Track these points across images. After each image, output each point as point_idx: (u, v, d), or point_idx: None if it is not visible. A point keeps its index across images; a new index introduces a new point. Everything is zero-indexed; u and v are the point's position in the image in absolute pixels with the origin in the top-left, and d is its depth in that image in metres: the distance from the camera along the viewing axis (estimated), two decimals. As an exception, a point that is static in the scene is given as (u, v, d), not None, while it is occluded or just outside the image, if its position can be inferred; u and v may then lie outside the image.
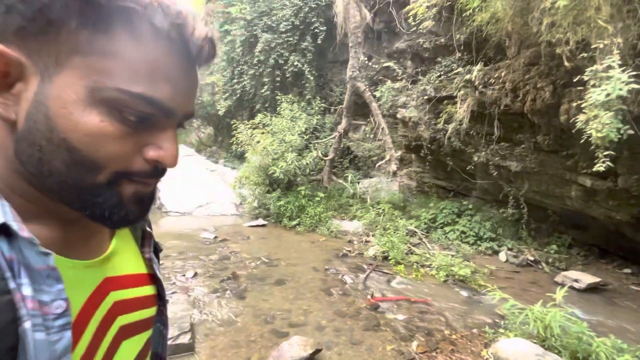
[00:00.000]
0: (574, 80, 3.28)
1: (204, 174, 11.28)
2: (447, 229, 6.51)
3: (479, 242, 6.05)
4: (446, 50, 6.25)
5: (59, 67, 0.33)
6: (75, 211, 0.38)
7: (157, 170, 0.40)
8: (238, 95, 12.00)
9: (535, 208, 5.86)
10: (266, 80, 10.56)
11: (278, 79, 10.33)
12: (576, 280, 4.54)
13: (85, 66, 0.33)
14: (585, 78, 2.99)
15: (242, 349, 2.78)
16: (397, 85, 7.38)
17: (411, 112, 6.64)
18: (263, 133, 8.17)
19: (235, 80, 12.08)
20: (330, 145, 8.72)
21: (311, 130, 9.15)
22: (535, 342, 2.81)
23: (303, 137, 8.26)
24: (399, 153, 7.63)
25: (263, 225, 7.44)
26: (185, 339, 2.58)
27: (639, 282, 4.76)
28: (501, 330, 3.11)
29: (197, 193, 9.73)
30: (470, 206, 6.76)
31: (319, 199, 7.72)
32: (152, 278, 0.53)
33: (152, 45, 0.35)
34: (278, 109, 9.03)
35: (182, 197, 9.55)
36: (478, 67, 5.28)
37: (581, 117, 3.08)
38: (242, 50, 11.41)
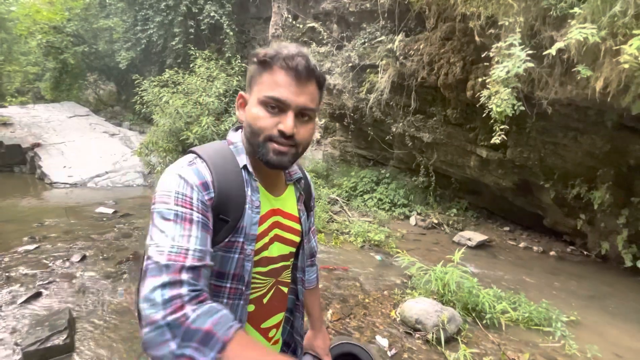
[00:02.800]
0: (482, 56, 3.46)
1: (102, 138, 9.64)
2: (366, 196, 6.80)
3: (393, 209, 6.49)
4: (371, 17, 6.14)
5: (251, 93, 0.78)
6: (262, 165, 0.78)
7: (284, 135, 0.73)
8: (143, 46, 10.26)
9: (441, 176, 6.46)
10: (177, 30, 9.18)
11: (192, 30, 9.06)
12: (469, 239, 5.21)
13: (257, 90, 0.76)
14: (491, 54, 3.16)
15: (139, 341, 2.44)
16: (323, 49, 7.08)
17: (336, 79, 6.48)
18: (174, 93, 7.17)
19: (139, 28, 10.25)
20: (253, 111, 8.13)
21: (231, 92, 8.37)
22: (435, 299, 3.10)
23: (222, 100, 7.51)
24: (323, 121, 7.53)
25: (176, 197, 6.72)
26: (59, 340, 2.12)
27: (514, 238, 5.71)
28: (408, 291, 3.36)
29: (93, 161, 8.29)
30: (387, 175, 7.14)
31: (240, 167, 7.25)
32: (300, 221, 0.92)
33: (276, 72, 0.73)
34: (192, 65, 7.97)
35: (73, 165, 8.03)
36: (399, 37, 5.30)
37: (485, 93, 3.29)
38: (146, -10, 9.62)
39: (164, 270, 0.58)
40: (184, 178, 0.69)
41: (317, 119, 6.20)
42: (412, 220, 6.16)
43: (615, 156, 4.14)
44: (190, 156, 0.76)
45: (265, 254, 0.81)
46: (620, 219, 4.30)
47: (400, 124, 6.08)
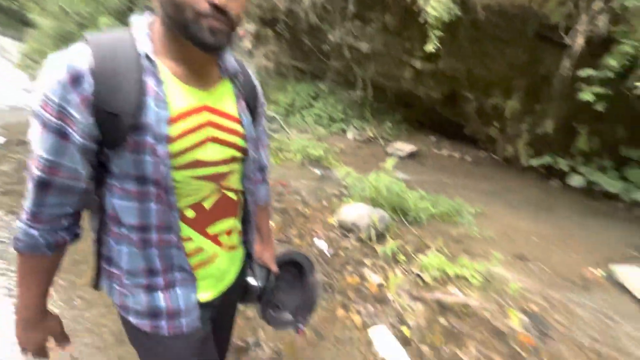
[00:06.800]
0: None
1: (-37, 45, 7.38)
2: (304, 112, 6.63)
3: (331, 124, 6.49)
4: None
5: None
6: (189, 50, 0.66)
7: (216, 7, 0.60)
8: None
9: (377, 90, 6.48)
10: None
11: None
12: (400, 150, 5.58)
13: None
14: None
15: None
16: None
17: (265, -27, 5.56)
18: (53, -18, 5.51)
19: None
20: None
21: (136, -14, 6.74)
22: (369, 204, 3.37)
23: (124, -4, 6.04)
24: (254, 28, 6.68)
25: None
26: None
27: (440, 147, 6.27)
28: (345, 199, 3.59)
29: (-43, 76, 6.46)
30: (325, 89, 6.93)
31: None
32: (241, 123, 0.80)
33: None
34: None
35: None
36: None
37: (423, -7, 3.10)
38: None
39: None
40: (50, 74, 0.60)
41: (246, 24, 5.49)
42: (350, 135, 6.29)
43: (531, 67, 4.48)
44: (76, 44, 0.63)
45: (196, 156, 0.70)
46: (524, 125, 4.90)
47: (338, 31, 5.67)
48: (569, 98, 3.95)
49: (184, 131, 0.68)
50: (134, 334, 0.79)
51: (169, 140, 0.66)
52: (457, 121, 6.17)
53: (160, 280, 0.73)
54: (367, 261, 2.63)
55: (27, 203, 0.66)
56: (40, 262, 0.70)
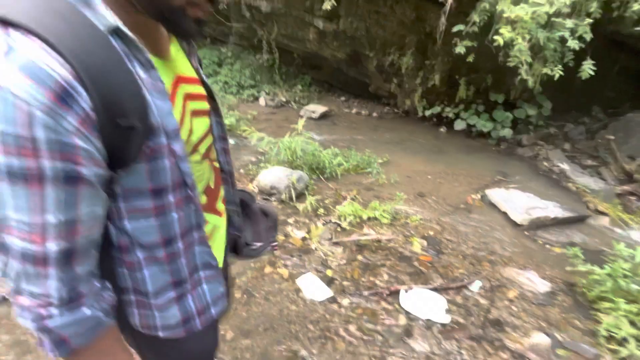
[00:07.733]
0: None
1: None
2: (210, 80, 6.17)
3: (241, 91, 6.23)
4: None
5: None
6: (153, 24, 0.55)
7: None
8: None
9: (284, 52, 6.37)
10: None
11: None
12: (313, 112, 5.71)
13: None
14: None
15: None
16: None
17: None
18: None
19: None
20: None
21: None
22: (286, 166, 3.46)
23: None
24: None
25: None
26: None
27: (349, 106, 6.60)
28: (262, 165, 3.60)
29: None
30: (229, 54, 6.53)
31: None
32: (202, 82, 0.69)
33: None
34: None
35: None
36: None
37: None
38: None
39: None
40: (10, 95, 0.37)
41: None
42: (262, 101, 6.15)
43: (418, 24, 4.90)
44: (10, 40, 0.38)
45: (194, 138, 0.63)
46: (417, 80, 5.46)
47: (234, -12, 5.28)
48: (449, 53, 4.51)
49: (180, 115, 0.58)
50: (159, 347, 0.72)
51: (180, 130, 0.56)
52: (362, 80, 6.52)
53: (187, 286, 0.67)
54: (290, 220, 2.76)
55: (48, 289, 0.46)
56: (108, 338, 0.55)
